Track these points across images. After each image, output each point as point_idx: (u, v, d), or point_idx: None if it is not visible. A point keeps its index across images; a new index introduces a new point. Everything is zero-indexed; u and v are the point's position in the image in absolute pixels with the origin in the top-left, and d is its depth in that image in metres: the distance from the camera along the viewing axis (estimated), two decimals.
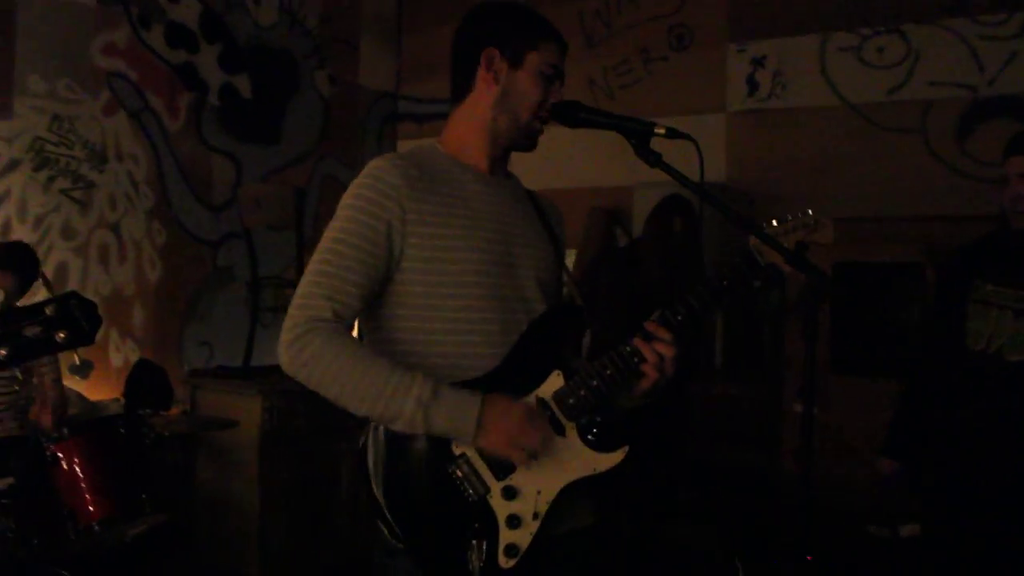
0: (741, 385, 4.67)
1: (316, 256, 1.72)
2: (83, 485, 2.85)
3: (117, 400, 4.65)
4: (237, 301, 5.58)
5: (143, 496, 2.92)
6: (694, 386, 4.34)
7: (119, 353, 5.02)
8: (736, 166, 5.27)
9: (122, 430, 2.97)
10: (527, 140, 1.85)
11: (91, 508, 2.85)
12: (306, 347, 1.63)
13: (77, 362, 2.42)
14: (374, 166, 1.76)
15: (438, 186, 1.77)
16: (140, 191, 5.17)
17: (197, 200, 5.47)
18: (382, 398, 1.60)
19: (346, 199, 1.75)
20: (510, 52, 1.82)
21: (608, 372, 1.71)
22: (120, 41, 5.07)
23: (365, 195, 1.72)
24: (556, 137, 2.04)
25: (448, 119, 1.92)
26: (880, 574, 3.81)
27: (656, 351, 1.70)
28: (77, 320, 1.29)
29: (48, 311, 1.28)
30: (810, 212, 1.79)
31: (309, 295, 1.67)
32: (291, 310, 1.68)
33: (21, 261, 3.78)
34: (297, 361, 1.64)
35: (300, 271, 4.78)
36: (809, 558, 1.89)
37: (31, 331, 1.28)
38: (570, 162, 5.26)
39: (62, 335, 1.28)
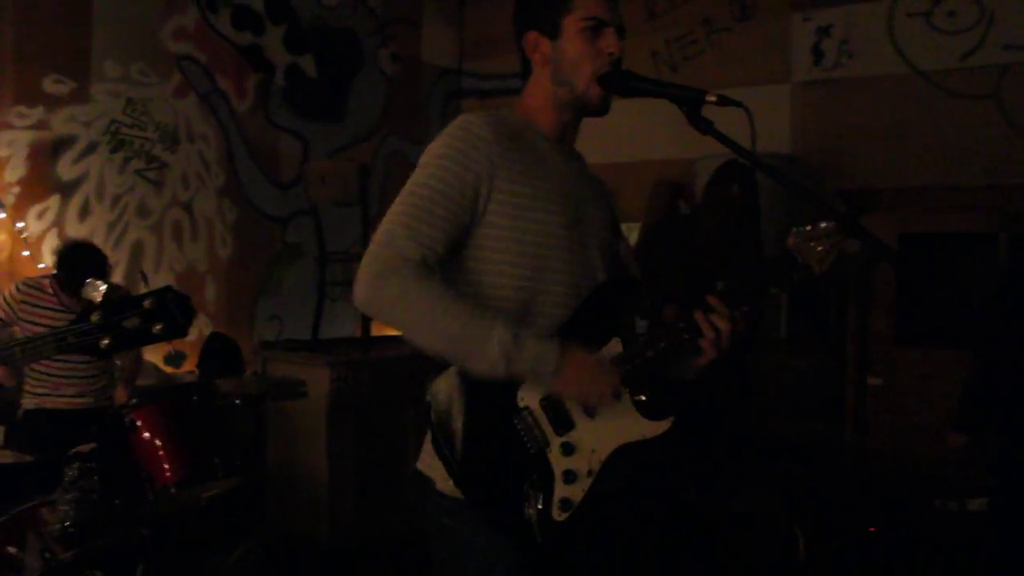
0: (805, 357, 4.63)
1: (402, 199, 1.72)
2: (159, 450, 2.96)
3: (191, 372, 4.82)
4: (305, 276, 5.72)
5: (216, 461, 3.02)
6: (758, 357, 4.32)
7: (193, 327, 5.17)
8: (801, 137, 5.20)
9: (195, 397, 3.08)
10: (593, 104, 1.84)
11: (167, 472, 2.96)
12: (390, 284, 1.63)
13: (172, 352, 2.56)
14: (465, 119, 1.78)
15: (522, 147, 1.79)
16: (211, 170, 5.32)
17: (265, 178, 5.60)
18: (466, 336, 1.62)
19: (435, 148, 1.76)
20: (547, 27, 1.83)
21: (662, 344, 1.74)
22: (189, 25, 5.20)
23: (456, 145, 1.73)
24: (621, 111, 2.04)
25: (522, 93, 1.94)
26: (946, 548, 3.77)
27: (714, 325, 1.72)
28: (173, 313, 1.40)
29: (146, 304, 1.38)
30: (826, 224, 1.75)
31: (394, 234, 1.66)
32: (373, 247, 1.67)
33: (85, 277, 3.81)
34: (379, 296, 1.65)
35: (366, 246, 4.87)
36: (872, 530, 1.89)
37: (131, 323, 1.38)
38: (634, 136, 5.24)
39: (158, 327, 1.39)
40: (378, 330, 5.21)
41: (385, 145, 6.26)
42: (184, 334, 1.43)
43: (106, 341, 1.38)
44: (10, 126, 4.48)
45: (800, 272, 1.75)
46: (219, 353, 4.46)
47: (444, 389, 1.70)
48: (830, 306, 4.84)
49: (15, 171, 4.51)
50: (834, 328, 4.75)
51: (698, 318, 1.73)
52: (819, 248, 1.74)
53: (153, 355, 4.63)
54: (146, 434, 2.98)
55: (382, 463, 4.71)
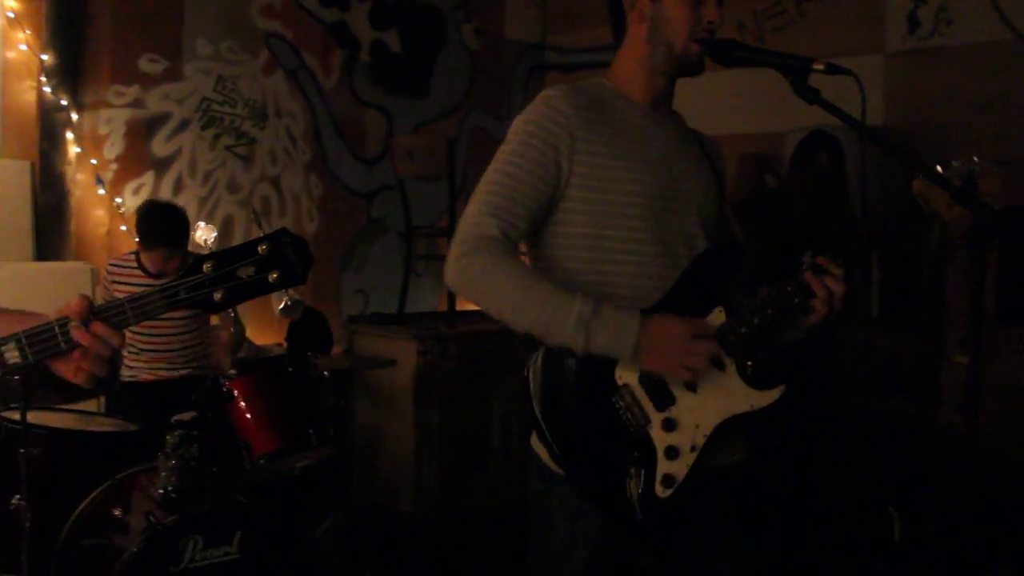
0: (899, 335, 4.51)
1: (487, 178, 1.78)
2: (256, 419, 3.05)
3: (279, 345, 4.92)
4: (389, 251, 5.78)
5: (310, 431, 3.09)
6: (849, 335, 4.23)
7: (280, 301, 5.28)
8: (895, 109, 5.03)
9: (290, 368, 3.15)
10: (689, 66, 1.82)
11: (263, 441, 3.04)
12: (474, 263, 1.68)
13: (288, 302, 2.43)
14: (545, 94, 1.80)
15: (605, 117, 1.79)
16: (298, 146, 5.40)
17: (351, 154, 5.66)
18: (545, 312, 1.63)
19: (517, 124, 1.80)
20: None
21: (769, 311, 1.70)
22: (277, 3, 5.27)
23: (536, 120, 1.77)
24: (707, 83, 2.01)
25: (613, 61, 1.93)
26: None
27: (827, 286, 1.68)
28: (289, 259, 1.24)
29: (261, 250, 1.23)
30: (976, 159, 1.70)
31: (479, 213, 1.73)
32: (461, 227, 1.74)
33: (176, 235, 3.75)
34: (464, 275, 1.70)
35: (452, 220, 4.95)
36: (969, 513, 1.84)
37: (245, 272, 1.22)
38: (720, 109, 5.14)
39: (274, 275, 1.23)
40: (463, 304, 5.25)
41: (469, 120, 6.26)
42: (303, 281, 1.25)
43: (220, 294, 1.21)
44: (109, 105, 4.61)
45: (928, 220, 1.69)
46: (308, 327, 4.53)
47: (541, 368, 1.69)
48: (924, 282, 4.70)
49: (113, 148, 4.65)
50: (929, 305, 4.61)
51: (808, 279, 1.69)
52: (946, 195, 1.68)
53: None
54: (243, 404, 3.06)
55: (467, 436, 4.76)
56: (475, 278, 1.69)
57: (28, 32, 4.29)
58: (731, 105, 5.15)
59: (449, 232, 4.88)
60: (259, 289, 1.24)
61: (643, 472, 1.65)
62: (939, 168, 1.71)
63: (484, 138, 6.27)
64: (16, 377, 2.79)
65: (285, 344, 4.80)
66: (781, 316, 1.71)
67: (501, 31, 6.49)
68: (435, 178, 5.12)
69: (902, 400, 4.38)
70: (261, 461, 3.03)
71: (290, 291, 1.43)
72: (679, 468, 1.67)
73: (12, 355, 1.22)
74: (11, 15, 4.25)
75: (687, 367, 1.63)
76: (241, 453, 3.03)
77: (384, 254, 5.79)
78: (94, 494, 2.95)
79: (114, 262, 3.91)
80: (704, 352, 1.64)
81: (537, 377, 1.69)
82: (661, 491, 1.66)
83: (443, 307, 5.26)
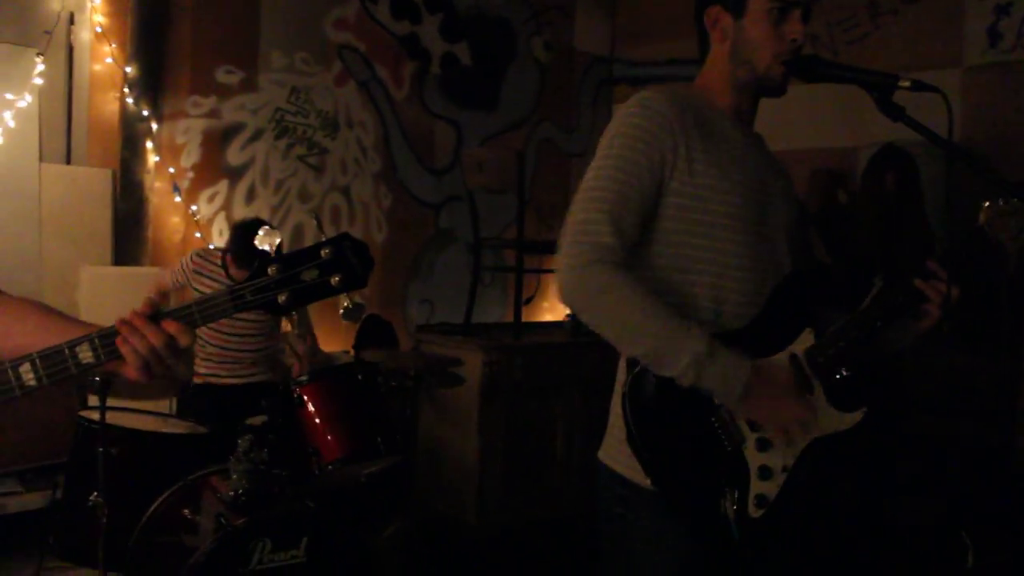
0: (974, 356, 4.39)
1: (592, 183, 1.70)
2: (325, 426, 3.08)
3: (347, 352, 4.98)
4: (455, 261, 5.82)
5: (378, 439, 3.12)
6: (920, 356, 4.13)
7: (342, 304, 5.34)
8: (974, 126, 4.91)
9: (359, 376, 3.18)
10: (772, 86, 1.80)
11: (332, 447, 3.07)
12: (592, 278, 1.62)
13: (349, 305, 2.47)
14: (645, 96, 1.75)
15: (701, 124, 1.75)
16: (368, 156, 5.47)
17: (421, 165, 5.72)
18: (660, 344, 1.60)
19: (618, 128, 1.74)
20: (731, 3, 1.79)
21: (853, 334, 1.70)
22: (350, 15, 5.36)
23: (641, 124, 1.71)
24: (780, 98, 1.98)
25: (698, 75, 1.91)
26: None
27: (938, 289, 1.70)
28: (351, 263, 1.27)
29: (324, 254, 1.26)
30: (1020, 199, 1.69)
31: (592, 221, 1.65)
32: (573, 236, 1.66)
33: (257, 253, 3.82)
34: (581, 290, 1.64)
35: (520, 232, 4.96)
36: None
37: (308, 275, 1.26)
38: (793, 124, 5.08)
39: (336, 279, 1.26)
40: (529, 316, 5.26)
41: (537, 132, 6.28)
42: (364, 284, 1.28)
43: (284, 296, 1.25)
44: (186, 115, 4.74)
45: (990, 252, 1.69)
46: (375, 335, 4.59)
47: (640, 384, 1.67)
48: (1001, 300, 4.57)
49: (190, 157, 4.77)
50: (1006, 324, 4.47)
51: (920, 284, 1.70)
52: (1012, 223, 1.68)
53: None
54: (313, 410, 3.10)
55: (530, 448, 4.75)
56: (592, 295, 1.63)
57: (114, 46, 4.44)
58: (804, 119, 5.07)
59: (518, 244, 4.89)
60: (322, 292, 1.27)
61: (737, 492, 1.64)
62: (985, 203, 1.70)
63: (552, 150, 6.29)
64: (96, 378, 2.89)
65: (352, 351, 4.86)
66: (865, 336, 1.71)
67: (570, 44, 6.51)
68: (503, 190, 5.15)
69: (977, 423, 4.26)
70: (329, 467, 3.07)
71: (353, 294, 1.44)
72: (771, 488, 1.66)
73: (85, 355, 1.30)
74: (99, 30, 4.40)
75: (782, 424, 1.65)
76: (310, 459, 3.07)
77: (451, 264, 5.83)
78: (167, 494, 3.02)
79: (201, 254, 3.93)
80: (799, 411, 1.65)
81: (635, 392, 1.67)
82: (754, 511, 1.65)
83: (509, 318, 5.27)
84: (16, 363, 1.30)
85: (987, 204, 1.71)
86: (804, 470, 1.70)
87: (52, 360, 1.30)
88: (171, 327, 1.29)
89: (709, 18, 1.83)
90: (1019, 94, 4.76)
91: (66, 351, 1.30)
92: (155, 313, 1.30)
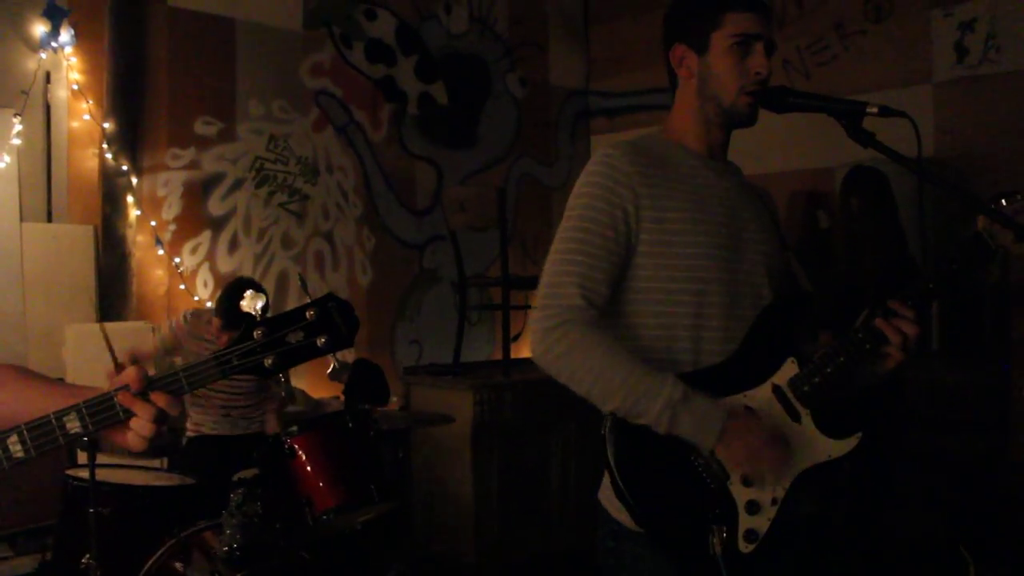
0: (962, 370, 4.41)
1: (560, 246, 1.74)
2: (318, 475, 3.06)
3: (336, 398, 4.96)
4: (441, 301, 5.83)
5: (372, 486, 3.10)
6: (910, 370, 4.15)
7: (329, 365, 5.33)
8: (946, 139, 4.97)
9: (350, 424, 3.16)
10: (740, 118, 1.82)
11: (325, 497, 3.04)
12: (563, 338, 1.65)
13: (336, 366, 2.47)
14: (603, 154, 1.78)
15: (666, 171, 1.78)
16: (349, 200, 5.49)
17: (402, 206, 5.74)
18: (632, 395, 1.62)
19: (580, 188, 1.78)
20: (695, 41, 1.82)
21: (841, 359, 1.70)
22: (326, 61, 5.40)
23: (599, 183, 1.74)
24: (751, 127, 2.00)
25: (668, 114, 1.93)
26: None
27: (900, 330, 1.68)
28: (336, 323, 1.27)
29: (309, 315, 1.27)
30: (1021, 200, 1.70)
31: (560, 284, 1.69)
32: (543, 300, 1.71)
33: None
34: (553, 352, 1.66)
35: (505, 269, 4.97)
36: None
37: (294, 337, 1.26)
38: (769, 146, 5.13)
39: (322, 340, 1.26)
40: (518, 352, 5.26)
41: (516, 168, 6.32)
42: (350, 344, 1.28)
43: (270, 360, 1.25)
44: (166, 167, 4.75)
45: (994, 255, 1.68)
46: (365, 379, 4.57)
47: (618, 427, 1.68)
48: (985, 313, 4.60)
49: (171, 209, 4.77)
50: (990, 337, 4.51)
51: (880, 325, 1.68)
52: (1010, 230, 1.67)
53: (301, 377, 4.80)
54: (305, 460, 3.08)
55: (526, 484, 4.74)
56: (564, 356, 1.65)
57: (91, 102, 4.45)
58: (779, 141, 5.13)
59: (503, 282, 4.90)
60: (308, 354, 1.27)
61: (725, 528, 1.63)
62: (1003, 201, 1.69)
63: (533, 185, 6.33)
64: (85, 438, 2.86)
65: (343, 398, 4.84)
66: (854, 364, 1.70)
67: (546, 79, 6.57)
68: (486, 227, 5.17)
69: (970, 436, 4.27)
70: (324, 517, 3.04)
71: (337, 355, 1.44)
72: (761, 522, 1.66)
73: (73, 425, 1.28)
74: (75, 87, 4.41)
75: (758, 471, 1.65)
76: (304, 509, 3.04)
77: (437, 304, 5.83)
78: (160, 551, 2.99)
79: (197, 314, 3.93)
80: (777, 457, 1.65)
81: (613, 437, 1.68)
82: (744, 546, 1.64)
83: (498, 356, 5.27)
84: (3, 435, 1.30)
85: (993, 206, 1.71)
86: (797, 501, 1.69)
87: (39, 431, 1.29)
88: (160, 400, 1.28)
89: (674, 57, 1.86)
90: (988, 107, 4.83)
91: (53, 421, 1.29)
92: (145, 388, 1.28)
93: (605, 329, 1.69)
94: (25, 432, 1.29)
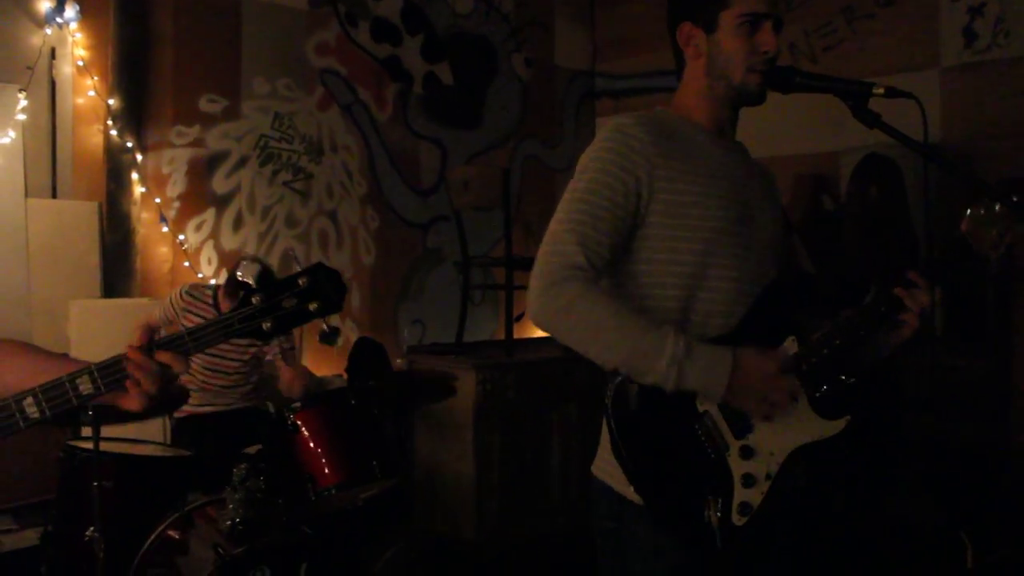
0: (964, 356, 4.41)
1: (565, 207, 1.73)
2: (320, 451, 3.08)
3: (340, 376, 4.98)
4: (444, 281, 5.84)
5: (374, 463, 3.11)
6: (912, 356, 4.15)
7: (340, 334, 5.36)
8: (952, 125, 4.96)
9: (353, 401, 3.18)
10: (749, 97, 1.82)
11: (327, 473, 3.06)
12: (561, 294, 1.63)
13: (326, 329, 2.59)
14: (618, 123, 1.77)
15: (680, 144, 1.78)
16: (354, 180, 5.49)
17: (406, 185, 5.74)
18: (637, 352, 1.61)
19: (593, 153, 1.76)
20: (703, 19, 1.81)
21: (837, 341, 1.71)
22: (331, 40, 5.39)
23: (614, 148, 1.73)
24: (760, 105, 2.00)
25: (676, 92, 1.93)
26: None
27: (918, 299, 1.71)
28: (326, 290, 1.38)
29: (301, 283, 1.38)
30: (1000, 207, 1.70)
31: (562, 242, 1.67)
32: (543, 257, 1.68)
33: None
34: (550, 308, 1.64)
35: (508, 249, 4.98)
36: None
37: (288, 303, 1.38)
38: (774, 129, 5.11)
39: (314, 305, 1.37)
40: (521, 332, 5.27)
41: (521, 149, 6.32)
42: (339, 309, 1.40)
43: (268, 324, 1.37)
44: (171, 145, 4.75)
45: (972, 258, 1.71)
46: (367, 358, 4.58)
47: (622, 394, 1.68)
48: (988, 299, 4.60)
49: (175, 187, 4.77)
50: (994, 324, 4.51)
51: (900, 293, 1.71)
52: (994, 232, 1.70)
53: (303, 355, 4.82)
54: (308, 436, 3.10)
55: (527, 464, 4.76)
56: (563, 311, 1.63)
57: (96, 79, 4.45)
58: (786, 125, 5.11)
59: (507, 261, 4.90)
60: (302, 318, 1.39)
61: (720, 500, 1.64)
62: (983, 210, 1.71)
63: (537, 166, 6.32)
64: (90, 412, 2.88)
65: (345, 375, 4.86)
66: (869, 333, 1.73)
67: (551, 60, 6.55)
68: (490, 207, 5.16)
69: (972, 422, 4.28)
70: (326, 493, 3.06)
71: (328, 319, 1.55)
72: (754, 496, 1.66)
73: (86, 386, 1.38)
74: (80, 63, 4.41)
75: (772, 403, 1.64)
76: (306, 485, 3.06)
77: (441, 284, 5.84)
78: (162, 525, 3.01)
79: (191, 292, 3.93)
80: (788, 388, 1.65)
81: (618, 402, 1.68)
82: (738, 519, 1.65)
83: (501, 336, 5.28)
84: (19, 397, 1.38)
85: (969, 211, 1.72)
86: (788, 477, 1.70)
87: (53, 392, 1.38)
88: (164, 356, 1.38)
89: (682, 35, 1.86)
90: (996, 93, 4.81)
91: (67, 383, 1.37)
92: (150, 345, 1.39)
93: (604, 289, 1.69)
94: (40, 394, 1.38)
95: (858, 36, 5.37)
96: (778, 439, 1.69)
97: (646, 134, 1.74)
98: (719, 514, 1.63)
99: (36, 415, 1.37)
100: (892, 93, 1.69)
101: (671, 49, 1.91)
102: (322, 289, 1.38)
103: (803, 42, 5.57)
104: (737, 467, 1.67)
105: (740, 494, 1.66)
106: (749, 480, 1.66)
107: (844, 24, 5.44)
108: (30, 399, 1.37)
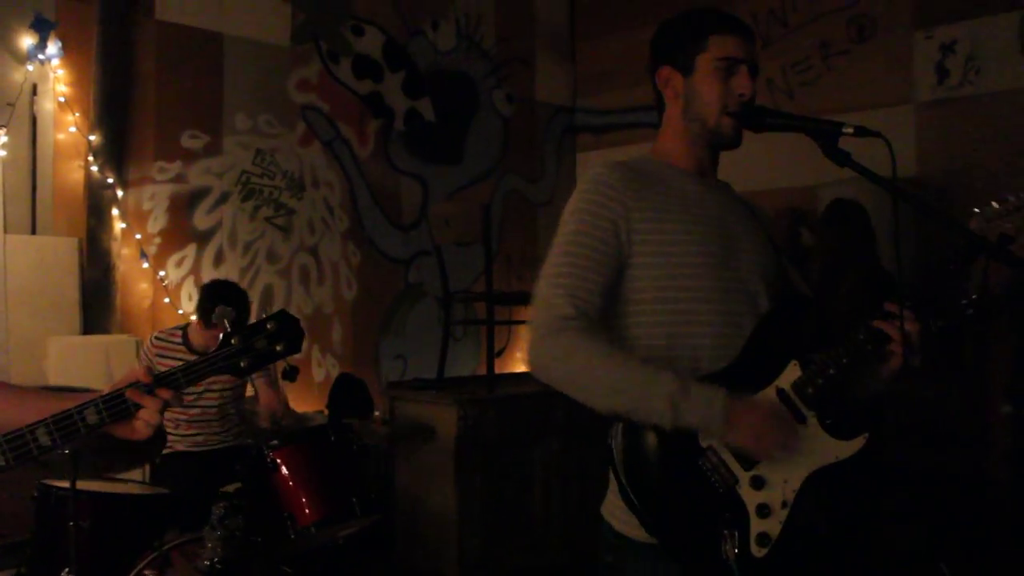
0: (940, 385, 4.44)
1: (551, 261, 1.77)
2: (300, 490, 3.06)
3: (320, 412, 4.95)
4: (426, 316, 5.84)
5: (354, 500, 3.10)
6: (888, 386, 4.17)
7: (320, 368, 5.35)
8: (927, 159, 5.03)
9: (332, 438, 3.17)
10: (724, 140, 1.85)
11: (307, 511, 3.05)
12: (556, 345, 1.67)
13: (288, 367, 2.82)
14: (594, 172, 1.82)
15: (655, 186, 1.82)
16: (335, 215, 5.50)
17: (388, 221, 5.75)
18: (632, 394, 1.63)
19: (572, 205, 1.81)
20: (680, 63, 1.86)
21: (844, 360, 1.72)
22: (312, 76, 5.43)
23: (590, 198, 1.78)
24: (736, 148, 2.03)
25: (657, 136, 1.97)
26: None
27: (900, 328, 1.71)
28: (290, 333, 1.60)
29: (270, 327, 1.59)
30: (997, 203, 1.74)
31: (551, 296, 1.72)
32: (534, 311, 1.73)
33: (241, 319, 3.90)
34: (546, 358, 1.69)
35: (489, 284, 5.00)
36: None
37: (260, 344, 1.59)
38: (751, 164, 5.15)
39: (280, 346, 1.59)
40: (501, 368, 5.27)
41: (503, 184, 6.36)
42: (299, 350, 1.62)
43: (244, 362, 1.57)
44: (152, 180, 4.75)
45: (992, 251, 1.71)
46: (348, 394, 4.57)
47: (624, 438, 1.68)
48: (964, 329, 4.64)
49: (156, 223, 4.77)
50: (971, 355, 4.54)
51: (878, 324, 1.72)
52: (1008, 226, 1.73)
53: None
54: (287, 474, 3.08)
55: (509, 499, 4.73)
56: (559, 360, 1.68)
57: (77, 115, 4.45)
58: (763, 160, 5.16)
59: (487, 297, 4.91)
60: (271, 357, 1.59)
61: (736, 533, 1.64)
62: (994, 204, 1.74)
63: (518, 201, 6.35)
64: (66, 451, 2.85)
65: (326, 412, 4.84)
66: (857, 362, 1.73)
67: (532, 95, 6.61)
68: (471, 242, 5.18)
69: (950, 452, 4.30)
70: (306, 531, 3.04)
71: (289, 359, 1.76)
72: (772, 526, 1.66)
73: (92, 417, 1.52)
74: (62, 99, 4.42)
75: (770, 445, 1.65)
76: (285, 523, 3.04)
77: (422, 319, 5.84)
78: (140, 565, 2.97)
79: (159, 336, 3.98)
80: (785, 429, 1.67)
81: (621, 446, 1.68)
82: (757, 551, 1.64)
83: (482, 371, 5.28)
84: (32, 427, 1.50)
85: (977, 211, 1.76)
86: (807, 504, 1.70)
87: (64, 423, 1.51)
88: (164, 393, 1.55)
89: (661, 78, 1.90)
90: (969, 128, 4.89)
91: (74, 415, 1.51)
92: (154, 381, 1.55)
93: (597, 334, 1.70)
94: (51, 423, 1.51)
95: (833, 72, 5.46)
96: (790, 466, 1.69)
97: (619, 180, 1.79)
98: (736, 549, 1.62)
99: (48, 443, 1.50)
100: (861, 132, 1.71)
101: (651, 88, 1.94)
102: (287, 332, 1.60)
103: (780, 78, 5.66)
104: (750, 498, 1.67)
105: (757, 525, 1.66)
106: (764, 511, 1.66)
107: (820, 60, 5.53)
108: (42, 428, 1.50)
